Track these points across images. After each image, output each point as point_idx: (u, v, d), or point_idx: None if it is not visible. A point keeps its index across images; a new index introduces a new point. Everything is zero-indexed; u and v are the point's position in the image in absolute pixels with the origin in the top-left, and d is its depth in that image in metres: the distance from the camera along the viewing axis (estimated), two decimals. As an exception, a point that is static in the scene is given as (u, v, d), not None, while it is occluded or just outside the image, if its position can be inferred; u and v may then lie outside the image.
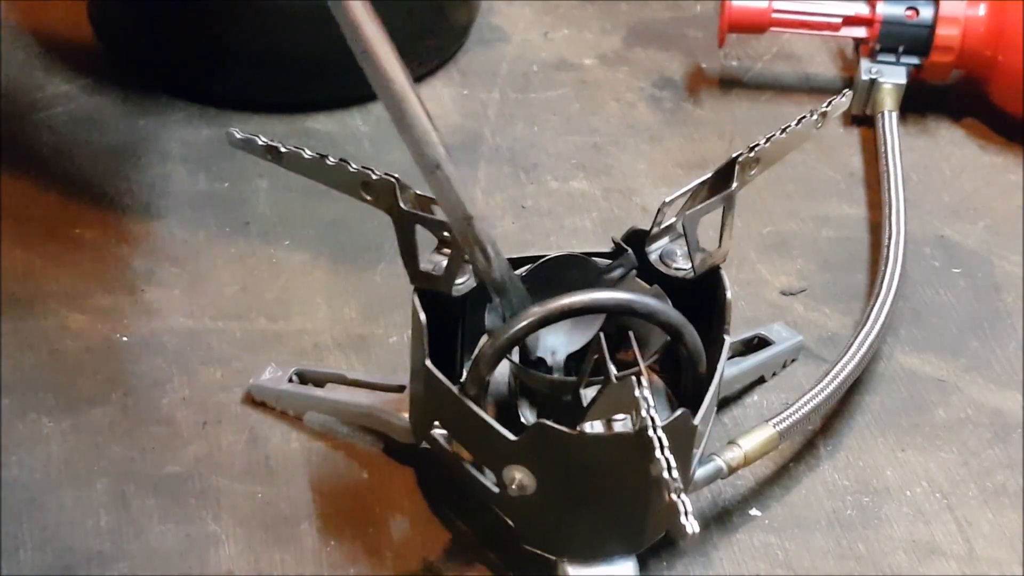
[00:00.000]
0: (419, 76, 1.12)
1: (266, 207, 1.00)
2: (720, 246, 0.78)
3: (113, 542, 0.79)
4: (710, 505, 0.83)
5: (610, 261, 0.79)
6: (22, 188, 1.00)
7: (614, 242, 0.80)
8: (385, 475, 0.84)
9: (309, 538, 0.80)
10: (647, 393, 0.69)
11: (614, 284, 0.79)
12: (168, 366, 0.89)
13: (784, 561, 0.81)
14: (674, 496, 0.64)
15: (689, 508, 0.64)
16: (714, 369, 0.76)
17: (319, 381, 0.87)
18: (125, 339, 0.90)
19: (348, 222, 0.99)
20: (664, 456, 0.66)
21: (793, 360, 0.92)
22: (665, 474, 0.65)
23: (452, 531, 0.81)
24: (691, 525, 0.64)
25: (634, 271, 0.79)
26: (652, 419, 0.68)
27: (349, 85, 1.08)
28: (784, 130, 0.79)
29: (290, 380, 0.87)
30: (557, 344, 0.79)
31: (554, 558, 0.76)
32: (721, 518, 0.82)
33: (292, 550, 0.79)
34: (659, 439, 0.67)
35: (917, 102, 1.11)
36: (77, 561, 0.78)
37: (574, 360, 0.79)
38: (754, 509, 0.83)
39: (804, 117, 0.79)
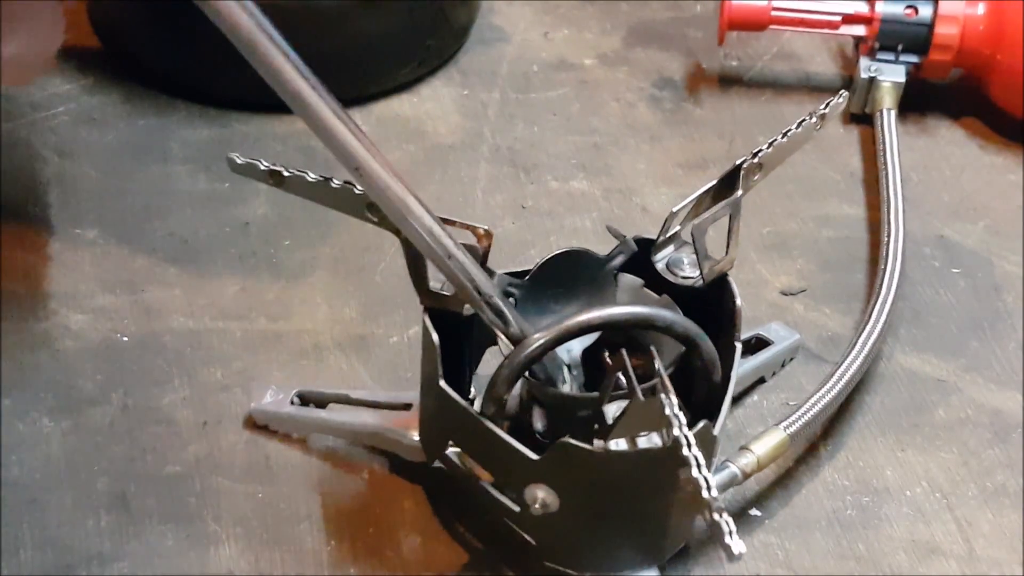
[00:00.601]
0: (419, 76, 1.12)
1: (266, 207, 1.00)
2: (727, 253, 0.78)
3: (113, 542, 0.79)
4: (710, 505, 0.83)
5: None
6: (22, 188, 1.00)
7: (609, 230, 0.80)
8: (385, 475, 0.84)
9: (309, 538, 0.80)
10: (678, 411, 0.68)
11: (616, 272, 0.79)
12: (168, 366, 0.89)
13: (784, 561, 0.81)
14: (716, 516, 0.63)
15: (733, 527, 0.63)
16: (728, 377, 0.75)
17: (322, 402, 0.86)
18: (125, 339, 0.90)
19: (348, 222, 0.98)
20: (702, 475, 0.64)
21: (792, 359, 0.92)
22: (704, 494, 0.64)
23: (452, 531, 0.81)
24: (737, 545, 0.62)
25: (640, 280, 0.80)
26: (687, 438, 0.66)
27: (349, 85, 1.08)
28: (785, 134, 0.79)
29: (292, 402, 0.86)
30: (572, 342, 0.78)
31: (576, 574, 0.75)
32: (721, 518, 0.82)
33: (292, 550, 0.79)
34: (695, 458, 0.65)
35: (917, 101, 1.11)
36: (77, 561, 0.78)
37: (590, 353, 0.79)
38: (755, 509, 0.83)
39: (804, 120, 0.80)
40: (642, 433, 0.71)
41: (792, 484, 0.85)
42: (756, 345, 0.91)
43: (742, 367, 0.88)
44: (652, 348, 0.74)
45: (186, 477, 0.83)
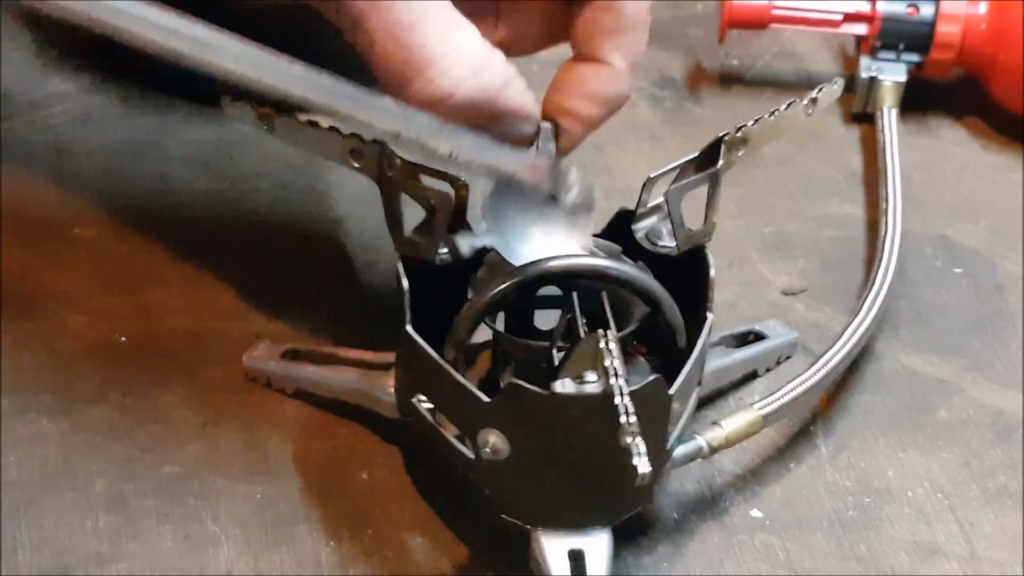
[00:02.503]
0: (419, 75, 1.12)
1: (266, 207, 1.00)
2: (705, 223, 0.79)
3: (111, 543, 0.79)
4: (711, 507, 0.83)
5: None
6: (22, 188, 1.00)
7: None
8: (385, 476, 0.83)
9: (308, 539, 0.80)
10: (612, 346, 0.69)
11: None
12: (167, 366, 0.88)
13: (785, 562, 0.81)
14: (629, 439, 0.65)
15: (644, 451, 0.64)
16: (693, 343, 0.76)
17: (311, 358, 0.87)
18: (124, 339, 0.90)
19: (348, 222, 0.99)
20: (624, 402, 0.66)
21: (788, 357, 0.92)
22: (622, 419, 0.65)
23: (453, 532, 0.81)
24: (643, 465, 0.64)
25: (618, 247, 0.81)
26: (615, 369, 0.68)
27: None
28: (772, 113, 0.80)
29: (283, 356, 0.87)
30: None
31: (528, 526, 0.75)
32: (722, 520, 0.82)
33: (291, 551, 0.79)
34: (619, 387, 0.67)
35: (918, 100, 1.11)
36: (75, 562, 0.78)
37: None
38: (755, 510, 0.83)
39: (793, 101, 0.81)
40: (592, 379, 0.71)
41: (793, 485, 0.85)
42: (752, 341, 0.91)
43: (733, 355, 0.88)
44: (602, 295, 0.76)
45: (185, 477, 0.82)
